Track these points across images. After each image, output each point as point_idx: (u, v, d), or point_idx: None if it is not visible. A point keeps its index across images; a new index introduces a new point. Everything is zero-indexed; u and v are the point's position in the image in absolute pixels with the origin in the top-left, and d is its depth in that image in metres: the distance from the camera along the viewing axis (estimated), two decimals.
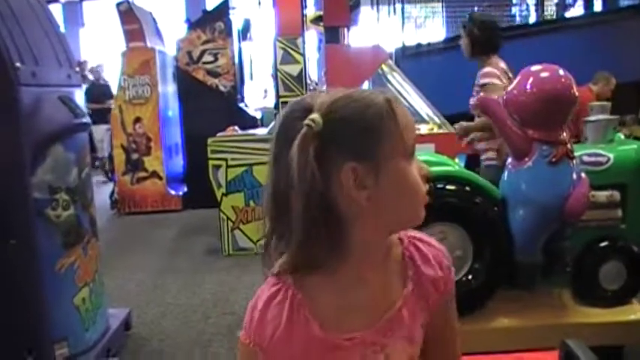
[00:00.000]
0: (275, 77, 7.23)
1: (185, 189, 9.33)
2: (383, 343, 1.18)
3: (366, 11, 13.16)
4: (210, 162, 6.59)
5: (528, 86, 3.05)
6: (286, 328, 1.14)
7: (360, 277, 1.16)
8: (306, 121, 1.06)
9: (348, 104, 1.09)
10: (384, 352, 1.19)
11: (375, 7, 11.18)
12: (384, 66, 6.05)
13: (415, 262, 1.22)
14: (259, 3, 10.85)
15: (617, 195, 3.31)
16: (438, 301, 1.24)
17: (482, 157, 4.21)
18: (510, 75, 4.07)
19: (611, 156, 3.35)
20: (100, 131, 10.30)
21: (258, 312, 1.16)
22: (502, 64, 4.18)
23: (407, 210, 1.15)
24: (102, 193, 9.32)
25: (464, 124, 4.15)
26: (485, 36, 4.26)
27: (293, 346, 1.14)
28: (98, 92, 11.13)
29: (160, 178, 9.17)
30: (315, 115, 1.06)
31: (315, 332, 1.15)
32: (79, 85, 3.96)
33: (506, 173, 3.26)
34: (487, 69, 4.12)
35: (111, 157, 9.41)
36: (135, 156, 9.14)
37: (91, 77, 11.92)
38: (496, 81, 4.04)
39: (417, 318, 1.22)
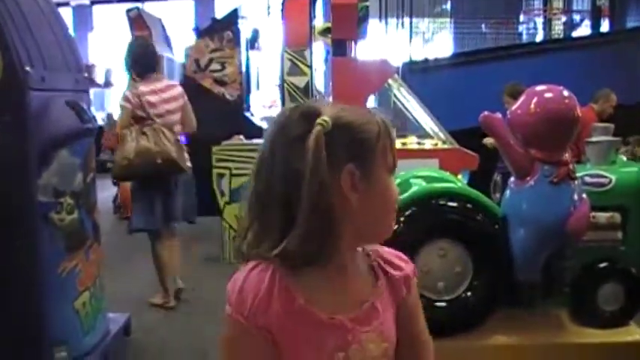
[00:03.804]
0: (281, 88, 7.27)
1: None
2: (359, 331, 1.23)
3: (374, 24, 13.20)
4: (215, 170, 6.61)
5: (532, 106, 3.07)
6: (266, 295, 1.17)
7: (342, 270, 1.23)
8: (319, 121, 1.13)
9: (353, 114, 1.19)
10: (360, 342, 1.23)
11: (383, 20, 11.21)
12: (390, 80, 6.06)
13: (384, 267, 1.31)
14: (268, 13, 10.91)
15: (617, 217, 3.32)
16: (407, 295, 1.33)
17: None
18: (152, 99, 4.86)
19: (613, 178, 3.36)
20: None
21: (239, 283, 1.20)
22: (143, 87, 4.89)
23: (384, 219, 1.24)
24: (105, 197, 9.33)
25: None
26: (129, 61, 5.08)
27: (273, 316, 1.17)
28: None
29: None
30: (326, 117, 1.14)
31: (296, 304, 1.18)
32: (87, 91, 3.98)
33: (507, 192, 3.28)
34: (125, 91, 4.97)
35: None
36: None
37: (100, 81, 11.97)
38: (125, 103, 4.82)
39: (389, 312, 1.29)
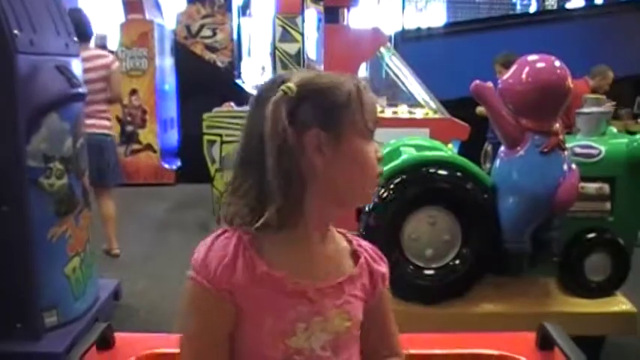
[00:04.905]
0: (273, 55, 7.23)
1: (179, 163, 9.33)
2: (322, 304, 1.23)
3: None
4: (205, 137, 6.59)
5: (524, 75, 3.07)
6: (231, 262, 1.18)
7: (309, 239, 1.24)
8: (283, 87, 1.16)
9: (322, 80, 1.20)
10: (323, 315, 1.23)
11: None
12: (382, 49, 6.04)
13: (366, 257, 1.33)
14: None
15: (606, 188, 3.34)
16: (380, 292, 1.34)
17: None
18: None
19: (602, 149, 3.37)
20: None
21: (205, 247, 1.22)
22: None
23: (357, 184, 1.24)
24: None
25: None
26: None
27: (236, 282, 1.18)
28: None
29: (154, 152, 9.17)
30: (290, 84, 1.16)
31: (258, 270, 1.19)
32: (77, 55, 3.95)
33: (497, 161, 3.29)
34: None
35: None
36: (130, 128, 9.12)
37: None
38: None
39: (357, 297, 1.29)
